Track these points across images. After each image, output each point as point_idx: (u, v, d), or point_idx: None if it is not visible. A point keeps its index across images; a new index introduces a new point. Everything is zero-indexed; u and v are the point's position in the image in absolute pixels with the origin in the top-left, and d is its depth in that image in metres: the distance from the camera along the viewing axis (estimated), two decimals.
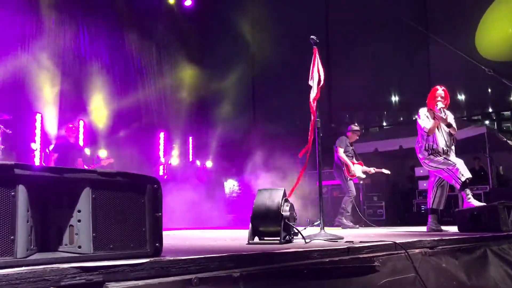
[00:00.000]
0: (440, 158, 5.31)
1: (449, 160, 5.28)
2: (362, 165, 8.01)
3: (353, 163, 7.87)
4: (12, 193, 1.64)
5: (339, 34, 12.81)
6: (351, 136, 8.13)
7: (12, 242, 1.61)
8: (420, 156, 5.48)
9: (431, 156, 5.36)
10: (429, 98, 5.52)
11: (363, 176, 8.02)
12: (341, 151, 7.79)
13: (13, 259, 1.60)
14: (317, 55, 4.12)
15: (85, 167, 7.99)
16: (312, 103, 4.05)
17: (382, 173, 8.42)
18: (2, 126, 7.04)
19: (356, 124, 8.59)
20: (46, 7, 9.78)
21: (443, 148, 5.36)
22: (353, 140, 8.17)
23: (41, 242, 1.77)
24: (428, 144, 5.39)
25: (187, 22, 13.11)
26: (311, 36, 4.12)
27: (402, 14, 10.68)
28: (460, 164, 5.21)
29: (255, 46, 13.97)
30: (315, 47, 4.14)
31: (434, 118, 5.38)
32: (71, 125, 8.18)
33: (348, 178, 7.75)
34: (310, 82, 4.10)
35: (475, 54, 10.99)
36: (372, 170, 8.09)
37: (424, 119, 5.43)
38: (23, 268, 1.50)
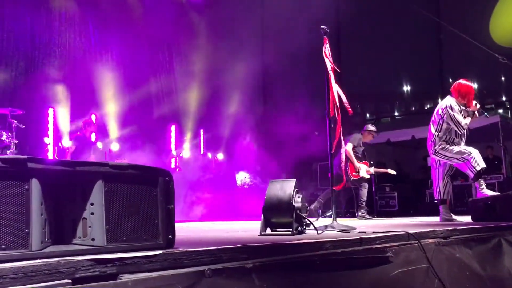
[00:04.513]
0: (455, 148, 5.25)
1: (465, 149, 5.23)
2: (367, 165, 7.88)
3: (358, 162, 7.73)
4: (26, 187, 1.65)
5: (350, 24, 12.70)
6: (365, 136, 7.98)
7: (27, 235, 1.63)
8: (436, 146, 5.32)
9: (447, 146, 5.28)
10: (462, 92, 5.36)
11: (367, 176, 7.84)
12: (349, 147, 7.61)
13: (28, 252, 1.62)
14: (327, 45, 4.08)
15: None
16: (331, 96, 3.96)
17: (387, 173, 8.34)
18: (15, 121, 7.12)
19: (373, 124, 8.39)
20: (55, 1, 9.82)
21: (461, 141, 5.34)
22: (366, 140, 8.01)
23: (55, 235, 1.78)
24: (451, 137, 5.29)
25: (196, 15, 13.08)
26: (322, 26, 4.09)
27: (414, 2, 10.54)
28: (476, 153, 5.16)
29: (266, 38, 13.91)
30: (325, 37, 4.10)
31: (468, 114, 5.31)
32: (88, 120, 8.27)
33: (351, 178, 7.55)
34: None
35: (489, 41, 10.82)
36: (372, 170, 7.93)
37: (459, 114, 5.27)
38: (38, 260, 1.51)
